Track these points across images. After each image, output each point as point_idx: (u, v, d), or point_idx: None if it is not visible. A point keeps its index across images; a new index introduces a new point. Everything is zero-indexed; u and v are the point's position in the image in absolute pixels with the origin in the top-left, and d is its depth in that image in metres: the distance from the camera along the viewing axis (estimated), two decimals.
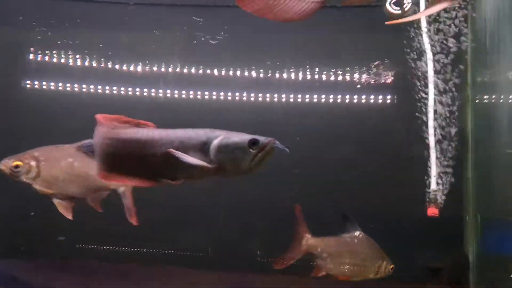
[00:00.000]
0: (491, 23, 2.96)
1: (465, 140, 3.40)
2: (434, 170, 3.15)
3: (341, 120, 3.79)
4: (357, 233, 2.85)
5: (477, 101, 3.33)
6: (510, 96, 2.67)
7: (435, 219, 3.12)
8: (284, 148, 1.76)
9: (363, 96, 3.83)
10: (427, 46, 3.23)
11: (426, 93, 3.27)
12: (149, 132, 1.87)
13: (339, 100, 3.85)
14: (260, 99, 3.94)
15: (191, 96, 3.98)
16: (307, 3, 1.69)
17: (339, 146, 3.63)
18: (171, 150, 1.80)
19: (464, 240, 3.38)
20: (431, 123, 3.22)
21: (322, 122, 3.77)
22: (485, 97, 3.22)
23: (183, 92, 3.97)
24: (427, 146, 3.24)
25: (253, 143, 1.76)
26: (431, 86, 3.28)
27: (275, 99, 3.93)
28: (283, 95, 3.91)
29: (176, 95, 3.98)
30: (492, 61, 2.99)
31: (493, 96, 3.04)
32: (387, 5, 3.47)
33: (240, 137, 1.80)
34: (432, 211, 3.08)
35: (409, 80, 3.40)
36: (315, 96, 3.87)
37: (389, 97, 3.82)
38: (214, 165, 1.78)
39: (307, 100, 3.88)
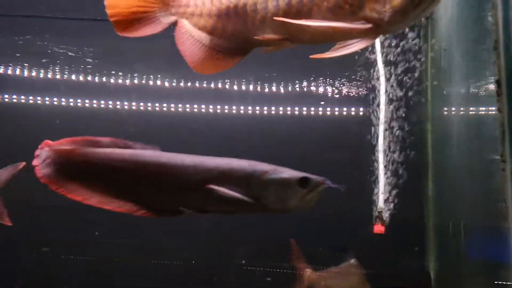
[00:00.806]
0: (446, 43, 2.99)
1: (424, 155, 3.42)
2: (381, 187, 3.16)
3: (290, 135, 3.75)
4: (352, 261, 2.82)
5: (435, 118, 3.35)
6: (462, 111, 2.69)
7: (397, 239, 3.13)
8: (338, 187, 1.66)
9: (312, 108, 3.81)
10: (380, 66, 3.26)
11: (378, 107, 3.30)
12: (178, 157, 1.72)
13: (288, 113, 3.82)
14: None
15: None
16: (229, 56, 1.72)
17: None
18: (212, 186, 1.63)
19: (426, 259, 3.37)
20: (380, 141, 3.23)
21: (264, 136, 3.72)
22: (443, 113, 3.24)
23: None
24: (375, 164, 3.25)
25: (304, 182, 1.65)
26: (382, 100, 3.30)
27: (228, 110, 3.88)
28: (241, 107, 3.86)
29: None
30: (447, 79, 3.01)
31: (451, 112, 3.05)
32: None
33: (290, 174, 1.68)
34: (378, 228, 3.06)
35: (364, 94, 3.43)
36: (258, 107, 3.83)
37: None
38: (257, 200, 1.65)
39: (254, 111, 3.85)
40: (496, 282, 2.13)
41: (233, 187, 1.63)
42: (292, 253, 2.77)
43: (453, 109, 2.94)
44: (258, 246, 3.58)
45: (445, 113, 3.17)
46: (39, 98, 3.93)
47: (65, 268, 3.71)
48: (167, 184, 1.69)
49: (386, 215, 3.07)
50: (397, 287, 3.14)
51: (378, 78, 3.27)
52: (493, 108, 1.86)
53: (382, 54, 3.27)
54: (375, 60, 3.26)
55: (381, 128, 3.22)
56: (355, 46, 1.64)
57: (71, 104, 3.94)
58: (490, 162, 1.97)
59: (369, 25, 1.60)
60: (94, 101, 3.92)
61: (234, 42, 1.72)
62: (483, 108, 2.22)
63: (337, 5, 1.61)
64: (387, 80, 3.30)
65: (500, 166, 1.78)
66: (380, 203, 3.10)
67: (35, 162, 1.75)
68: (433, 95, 3.40)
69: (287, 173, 1.67)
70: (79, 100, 3.92)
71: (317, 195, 1.65)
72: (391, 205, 3.13)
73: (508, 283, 1.95)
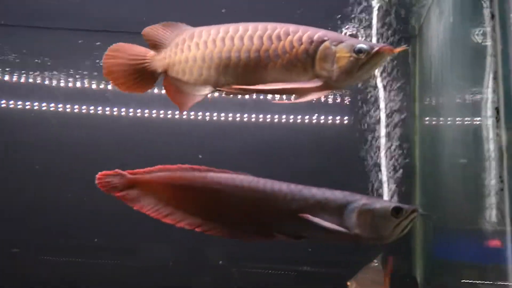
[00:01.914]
0: (435, 60, 3.18)
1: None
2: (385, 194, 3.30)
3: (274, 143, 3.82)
4: (375, 262, 2.90)
5: (423, 131, 3.53)
6: (448, 124, 2.86)
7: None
8: (428, 214, 1.72)
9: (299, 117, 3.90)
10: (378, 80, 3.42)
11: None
12: (276, 184, 1.81)
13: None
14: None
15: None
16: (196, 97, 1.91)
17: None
18: (308, 216, 1.69)
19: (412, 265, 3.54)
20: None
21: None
22: (430, 126, 3.42)
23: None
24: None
25: (397, 211, 1.70)
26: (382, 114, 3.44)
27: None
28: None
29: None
30: (435, 93, 3.19)
31: (437, 126, 3.24)
32: None
33: (383, 204, 1.74)
34: None
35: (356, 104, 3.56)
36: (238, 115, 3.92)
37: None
38: (351, 230, 1.70)
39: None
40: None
41: (327, 217, 1.71)
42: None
43: (439, 122, 3.13)
44: (235, 247, 3.63)
45: (431, 126, 3.35)
46: None
47: (36, 269, 3.71)
48: (265, 209, 1.77)
49: None
50: None
51: (375, 91, 3.43)
52: (477, 119, 2.03)
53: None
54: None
55: (382, 142, 3.38)
56: (313, 95, 1.79)
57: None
58: (467, 168, 2.14)
59: (319, 83, 1.77)
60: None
61: (201, 86, 1.90)
62: (473, 116, 2.41)
63: (290, 63, 1.77)
64: (385, 92, 3.46)
65: (499, 187, 1.97)
66: None
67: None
68: (420, 110, 3.59)
69: (379, 203, 1.74)
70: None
71: (409, 223, 1.72)
72: None
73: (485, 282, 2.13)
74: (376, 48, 1.75)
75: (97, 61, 3.40)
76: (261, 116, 3.86)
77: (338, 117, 3.90)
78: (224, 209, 1.84)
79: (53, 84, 3.88)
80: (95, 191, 3.81)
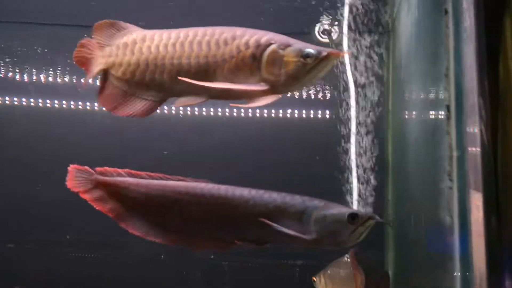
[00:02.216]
0: (404, 55, 3.17)
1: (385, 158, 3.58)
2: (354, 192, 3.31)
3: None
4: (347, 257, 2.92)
5: (395, 125, 3.53)
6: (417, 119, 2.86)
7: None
8: (386, 223, 1.75)
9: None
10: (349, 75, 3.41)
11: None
12: (236, 190, 1.83)
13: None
14: None
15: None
16: (148, 102, 1.89)
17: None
18: (267, 221, 1.72)
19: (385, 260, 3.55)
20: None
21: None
22: (402, 120, 3.42)
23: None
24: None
25: (352, 217, 1.74)
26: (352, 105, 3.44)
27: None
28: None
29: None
30: (405, 87, 3.19)
31: (408, 120, 3.24)
32: (316, 33, 3.64)
33: (340, 210, 1.77)
34: None
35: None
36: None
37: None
38: (310, 236, 1.73)
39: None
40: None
41: (288, 222, 1.75)
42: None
43: (410, 116, 3.13)
44: None
45: (401, 121, 3.35)
46: None
47: (31, 265, 3.74)
48: (226, 216, 1.80)
49: None
50: None
51: (347, 86, 3.43)
52: (436, 114, 2.03)
53: (350, 64, 3.41)
54: (344, 70, 3.41)
55: (353, 135, 3.39)
56: (264, 101, 1.79)
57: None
58: (436, 164, 2.15)
59: (266, 87, 1.77)
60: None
61: (151, 90, 1.90)
62: (433, 113, 2.41)
63: (237, 67, 1.78)
64: (356, 87, 3.46)
65: (448, 185, 1.96)
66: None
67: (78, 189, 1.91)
68: (393, 104, 3.59)
69: (336, 209, 1.77)
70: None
71: (365, 230, 1.75)
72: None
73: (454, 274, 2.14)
74: (324, 53, 1.75)
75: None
76: (235, 111, 3.85)
77: (319, 112, 3.89)
78: (183, 218, 1.86)
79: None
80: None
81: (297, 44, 1.79)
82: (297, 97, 3.80)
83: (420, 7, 2.67)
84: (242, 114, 3.85)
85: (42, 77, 3.85)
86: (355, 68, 3.44)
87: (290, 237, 1.74)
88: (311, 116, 3.85)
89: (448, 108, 2.00)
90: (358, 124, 3.42)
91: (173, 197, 1.85)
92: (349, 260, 2.90)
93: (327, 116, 3.86)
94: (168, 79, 1.83)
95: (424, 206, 2.52)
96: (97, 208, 1.99)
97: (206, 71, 1.79)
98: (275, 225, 1.72)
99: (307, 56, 1.73)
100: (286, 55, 1.75)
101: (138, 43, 1.88)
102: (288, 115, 3.83)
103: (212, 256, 3.78)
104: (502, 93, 1.80)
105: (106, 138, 3.69)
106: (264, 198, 1.79)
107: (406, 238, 3.01)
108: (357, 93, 3.44)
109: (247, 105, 1.82)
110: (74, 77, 3.79)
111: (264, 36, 1.79)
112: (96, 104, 3.80)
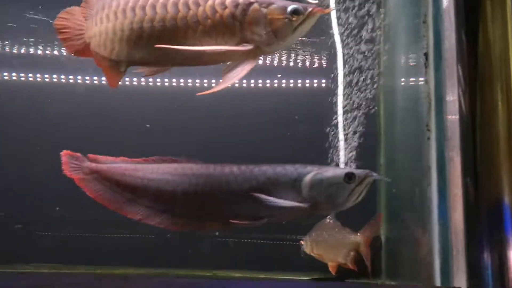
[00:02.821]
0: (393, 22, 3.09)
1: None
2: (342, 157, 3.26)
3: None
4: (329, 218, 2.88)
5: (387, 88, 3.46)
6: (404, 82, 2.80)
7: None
8: (384, 179, 1.68)
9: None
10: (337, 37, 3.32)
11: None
12: (226, 167, 1.75)
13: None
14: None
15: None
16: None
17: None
18: (260, 195, 1.66)
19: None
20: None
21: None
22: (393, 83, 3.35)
23: None
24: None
25: (349, 177, 1.67)
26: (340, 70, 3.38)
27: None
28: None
29: None
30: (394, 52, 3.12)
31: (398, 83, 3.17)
32: None
33: (335, 172, 1.70)
34: None
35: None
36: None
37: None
38: (307, 203, 1.66)
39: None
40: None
41: (282, 193, 1.68)
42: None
43: (400, 79, 3.05)
44: None
45: (394, 83, 3.27)
46: None
47: (34, 244, 3.76)
48: (218, 194, 1.72)
49: None
50: None
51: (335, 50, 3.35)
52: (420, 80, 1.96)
53: (339, 25, 3.32)
54: (332, 32, 3.32)
55: (340, 99, 3.32)
56: (240, 73, 1.68)
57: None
58: (415, 130, 2.08)
59: (250, 47, 1.66)
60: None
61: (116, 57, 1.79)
62: (419, 79, 2.33)
63: (214, 29, 1.66)
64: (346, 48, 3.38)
65: (426, 135, 1.89)
66: None
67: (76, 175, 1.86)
68: (385, 66, 3.50)
69: (331, 171, 1.69)
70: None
71: (364, 189, 1.68)
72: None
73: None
74: (310, 9, 1.67)
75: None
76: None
77: (314, 81, 3.82)
78: (180, 200, 1.78)
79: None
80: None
81: (279, 2, 1.69)
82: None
83: None
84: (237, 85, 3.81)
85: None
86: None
87: (287, 208, 1.66)
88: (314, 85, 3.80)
89: (426, 56, 1.92)
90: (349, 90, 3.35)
91: (163, 179, 1.76)
92: (331, 221, 2.87)
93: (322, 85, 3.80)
94: (126, 47, 1.72)
95: (414, 172, 2.47)
96: (91, 196, 1.92)
97: (174, 35, 1.67)
98: (268, 197, 1.64)
99: (294, 13, 1.64)
100: (270, 13, 1.65)
101: (105, 10, 1.78)
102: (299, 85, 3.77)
103: (217, 233, 3.76)
104: (480, 56, 1.74)
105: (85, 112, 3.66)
106: (254, 171, 1.71)
107: (396, 203, 2.97)
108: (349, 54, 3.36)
109: (219, 87, 1.68)
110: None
111: None
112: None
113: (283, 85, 3.79)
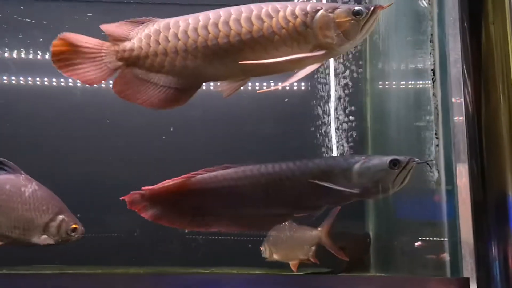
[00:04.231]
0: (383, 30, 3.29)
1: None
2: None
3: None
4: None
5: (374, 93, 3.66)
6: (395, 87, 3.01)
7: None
8: (426, 162, 1.92)
9: None
10: None
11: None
12: (282, 165, 1.89)
13: None
14: None
15: None
16: (182, 91, 1.86)
17: None
18: (323, 182, 1.82)
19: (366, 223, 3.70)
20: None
21: None
22: (380, 88, 3.56)
23: None
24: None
25: (394, 163, 1.85)
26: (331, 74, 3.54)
27: None
28: None
29: None
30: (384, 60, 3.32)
31: (386, 88, 3.38)
32: None
33: (380, 159, 1.87)
34: None
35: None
36: None
37: None
38: (358, 189, 1.85)
39: None
40: (423, 238, 2.49)
41: (334, 182, 1.85)
42: None
43: (388, 84, 3.27)
44: None
45: (381, 88, 3.49)
46: None
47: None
48: (283, 190, 1.86)
49: None
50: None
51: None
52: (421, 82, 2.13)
53: None
54: None
55: (332, 103, 3.48)
56: (308, 71, 1.81)
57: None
58: (418, 130, 2.30)
59: (323, 51, 1.80)
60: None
61: (183, 78, 1.85)
62: (418, 82, 2.55)
63: (290, 37, 1.78)
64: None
65: (435, 143, 2.12)
66: None
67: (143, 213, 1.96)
68: (371, 74, 3.71)
69: (377, 159, 1.88)
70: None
71: (408, 173, 1.85)
72: None
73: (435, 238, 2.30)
74: (372, 8, 1.81)
75: None
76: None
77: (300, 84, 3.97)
78: (245, 202, 1.93)
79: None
80: (56, 164, 3.82)
81: (342, 6, 1.83)
82: None
83: None
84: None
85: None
86: None
87: (341, 195, 1.85)
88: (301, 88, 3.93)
89: (433, 72, 2.15)
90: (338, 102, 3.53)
91: (232, 185, 1.89)
92: (287, 224, 3.02)
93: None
94: (203, 63, 1.77)
95: None
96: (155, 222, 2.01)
97: (251, 48, 1.76)
98: (329, 184, 1.82)
99: (357, 14, 1.78)
100: (337, 16, 1.78)
101: (162, 32, 1.81)
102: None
103: (186, 230, 3.84)
104: (484, 59, 1.94)
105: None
106: (309, 165, 1.90)
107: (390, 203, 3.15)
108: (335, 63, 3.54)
109: (285, 83, 1.82)
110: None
111: (306, 4, 1.83)
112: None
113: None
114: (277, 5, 1.81)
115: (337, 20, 1.79)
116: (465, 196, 1.90)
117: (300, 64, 1.82)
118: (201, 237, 3.75)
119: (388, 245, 3.15)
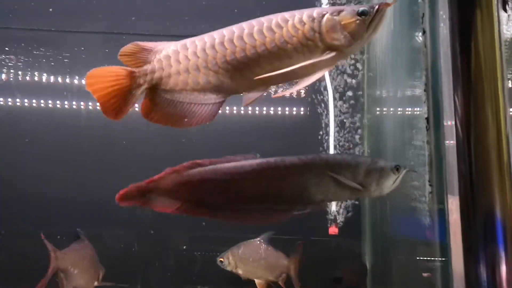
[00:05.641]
0: (380, 62, 3.38)
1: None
2: None
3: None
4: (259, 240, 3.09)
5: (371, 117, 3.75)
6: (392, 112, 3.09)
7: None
8: (414, 171, 2.14)
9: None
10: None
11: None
12: (285, 159, 1.98)
13: None
14: None
15: None
16: (208, 106, 1.89)
17: None
18: (334, 174, 1.93)
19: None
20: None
21: None
22: (376, 112, 3.64)
23: None
24: None
25: (397, 168, 2.02)
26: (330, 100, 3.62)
27: None
28: None
29: None
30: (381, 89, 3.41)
31: (382, 112, 3.46)
32: None
33: (386, 163, 2.04)
34: (333, 230, 3.44)
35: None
36: None
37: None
38: (362, 187, 1.98)
39: None
40: (418, 258, 2.55)
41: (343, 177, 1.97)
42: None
43: (384, 110, 3.36)
44: (198, 232, 3.84)
45: (378, 113, 3.58)
46: None
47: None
48: (297, 182, 1.96)
49: (339, 218, 3.44)
50: (336, 276, 3.50)
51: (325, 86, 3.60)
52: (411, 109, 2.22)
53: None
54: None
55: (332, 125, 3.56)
56: (319, 74, 1.89)
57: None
58: (413, 151, 2.38)
59: (333, 53, 1.87)
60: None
61: (208, 94, 1.89)
62: (409, 109, 2.64)
63: (301, 44, 1.85)
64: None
65: (428, 190, 2.20)
66: (333, 207, 3.48)
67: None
68: (368, 98, 3.81)
69: (383, 162, 2.05)
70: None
71: (398, 177, 2.03)
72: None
73: (430, 258, 2.37)
74: (376, 7, 1.87)
75: None
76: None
77: (297, 109, 4.07)
78: (248, 196, 1.98)
79: None
80: (55, 181, 3.87)
81: (347, 8, 1.89)
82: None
83: (397, 21, 2.87)
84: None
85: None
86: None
87: (347, 191, 1.97)
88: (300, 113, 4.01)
89: (427, 120, 2.22)
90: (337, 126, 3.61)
91: (239, 177, 1.95)
92: (256, 241, 3.10)
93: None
94: (224, 78, 1.83)
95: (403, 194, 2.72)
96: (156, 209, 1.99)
97: (267, 57, 1.83)
98: (340, 177, 1.94)
99: (363, 14, 1.83)
100: (342, 19, 1.84)
101: (181, 52, 1.87)
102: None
103: (185, 247, 3.89)
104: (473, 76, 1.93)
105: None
106: (316, 161, 1.99)
107: (386, 224, 3.22)
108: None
109: (298, 87, 1.88)
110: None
111: (312, 11, 1.89)
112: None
113: None
114: (286, 14, 1.88)
115: (342, 22, 1.86)
116: (457, 221, 1.93)
117: (313, 68, 1.89)
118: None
119: (384, 264, 3.22)
